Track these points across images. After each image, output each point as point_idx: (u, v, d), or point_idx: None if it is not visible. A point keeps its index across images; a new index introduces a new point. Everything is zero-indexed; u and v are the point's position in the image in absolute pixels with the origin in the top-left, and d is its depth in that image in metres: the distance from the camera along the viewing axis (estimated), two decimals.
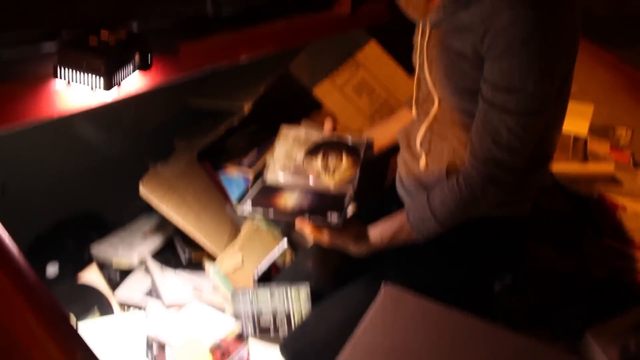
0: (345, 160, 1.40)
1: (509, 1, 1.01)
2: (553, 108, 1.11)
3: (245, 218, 1.81)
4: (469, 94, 1.16)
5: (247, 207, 1.25)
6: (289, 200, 1.29)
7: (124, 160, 1.99)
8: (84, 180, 1.92)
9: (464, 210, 1.20)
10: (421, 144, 1.32)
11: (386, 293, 1.09)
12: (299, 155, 1.42)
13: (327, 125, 1.48)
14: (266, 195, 1.32)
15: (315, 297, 1.41)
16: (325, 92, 2.01)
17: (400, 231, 1.24)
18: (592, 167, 2.20)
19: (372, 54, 2.10)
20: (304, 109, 2.10)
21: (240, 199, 1.77)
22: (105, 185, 1.97)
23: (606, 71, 2.36)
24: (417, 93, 1.36)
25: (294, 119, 2.02)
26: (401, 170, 1.43)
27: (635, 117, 2.40)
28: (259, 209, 1.26)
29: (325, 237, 1.21)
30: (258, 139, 1.97)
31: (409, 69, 2.18)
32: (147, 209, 2.05)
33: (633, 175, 2.23)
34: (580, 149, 2.24)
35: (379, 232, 1.25)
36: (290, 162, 1.41)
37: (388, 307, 1.07)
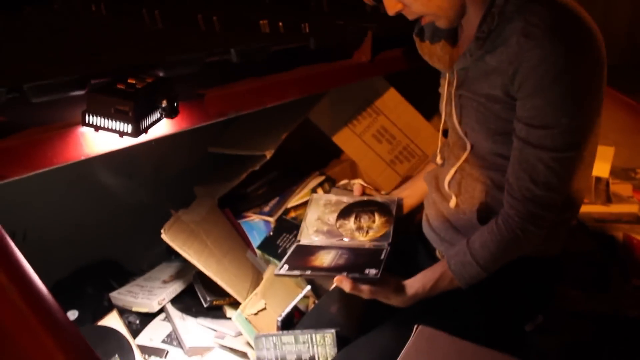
0: (377, 219, 1.42)
1: (537, 40, 1.03)
2: (588, 142, 1.11)
3: (267, 263, 1.80)
4: (503, 136, 1.17)
5: (283, 271, 1.26)
6: (325, 259, 1.29)
7: (144, 207, 2.02)
8: (103, 227, 1.94)
9: (506, 251, 1.20)
10: (450, 186, 1.33)
11: (420, 333, 1.08)
12: (331, 218, 1.44)
13: (357, 189, 1.51)
14: (301, 256, 1.32)
15: (341, 342, 1.39)
16: (345, 139, 2.03)
17: (442, 279, 1.25)
18: (616, 208, 2.19)
19: (391, 100, 2.13)
20: (324, 155, 2.12)
21: (262, 245, 1.77)
22: (124, 232, 2.00)
23: (626, 114, 2.37)
24: (443, 139, 1.38)
25: (314, 166, 2.05)
26: (429, 212, 1.43)
27: None
28: (296, 272, 1.27)
29: (365, 293, 1.21)
30: (278, 185, 1.98)
31: (427, 115, 2.21)
32: (167, 256, 2.07)
33: None
34: (602, 191, 2.23)
35: (420, 281, 1.25)
36: (324, 225, 1.43)
37: (422, 347, 1.06)
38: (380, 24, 1.76)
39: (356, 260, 1.27)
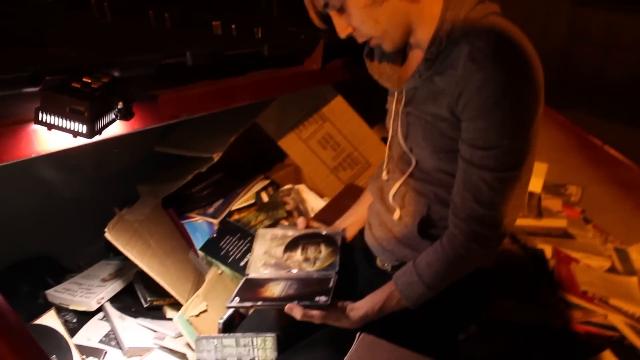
0: (324, 250, 1.46)
1: (480, 64, 1.07)
2: (527, 162, 1.17)
3: (209, 265, 1.81)
4: (447, 154, 1.22)
5: (234, 303, 1.27)
6: (275, 290, 1.31)
7: (83, 203, 1.98)
8: (40, 222, 1.89)
9: (451, 270, 1.24)
10: (394, 198, 1.37)
11: (362, 341, 1.11)
12: (278, 252, 1.46)
13: (301, 222, 1.54)
14: (251, 288, 1.34)
15: (281, 346, 1.41)
16: (290, 144, 2.05)
17: (389, 299, 1.27)
18: (547, 222, 2.29)
19: (338, 108, 2.16)
20: (269, 159, 2.14)
21: (204, 247, 1.77)
22: (62, 227, 1.95)
23: (558, 131, 2.48)
24: (390, 153, 1.41)
25: (259, 169, 2.06)
26: (373, 221, 1.47)
27: (585, 175, 2.51)
28: (247, 303, 1.29)
29: (316, 318, 1.24)
30: (223, 187, 1.98)
31: (371, 122, 2.26)
32: (105, 254, 2.04)
33: (584, 230, 2.33)
34: (534, 206, 2.34)
35: (369, 303, 1.27)
36: (271, 258, 1.45)
37: (364, 355, 1.09)
38: (332, 33, 1.79)
39: (305, 289, 1.30)
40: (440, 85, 1.18)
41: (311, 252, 1.45)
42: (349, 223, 1.59)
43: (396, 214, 1.36)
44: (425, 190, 1.32)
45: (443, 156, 1.23)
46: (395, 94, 1.34)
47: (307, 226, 1.55)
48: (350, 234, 1.57)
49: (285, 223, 1.94)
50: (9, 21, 1.78)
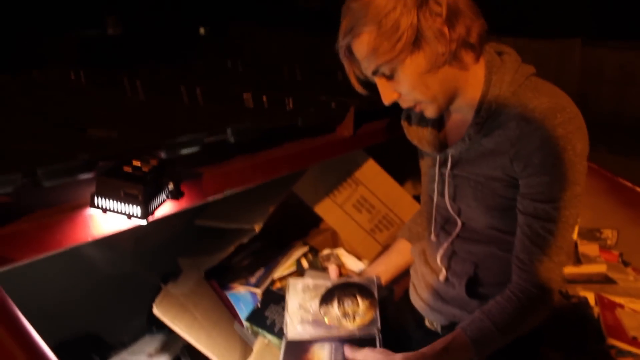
0: (361, 303, 1.44)
1: (536, 123, 1.13)
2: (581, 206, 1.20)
3: (255, 335, 1.81)
4: (500, 212, 1.24)
5: None
6: (321, 355, 1.31)
7: (124, 279, 2.00)
8: (83, 300, 1.91)
9: (524, 320, 1.24)
10: (441, 260, 1.39)
11: None
12: (313, 305, 1.46)
13: (333, 271, 1.55)
14: (297, 354, 1.34)
15: None
16: (326, 209, 2.08)
17: (454, 344, 1.24)
18: (586, 269, 2.27)
19: (370, 171, 2.20)
20: (307, 225, 2.17)
21: (250, 318, 1.78)
22: (105, 304, 1.97)
23: (589, 176, 2.48)
24: (436, 218, 1.43)
25: (296, 236, 2.09)
26: (418, 283, 1.48)
27: (619, 218, 2.50)
28: None
29: None
30: (263, 256, 2.00)
31: (401, 182, 2.28)
32: (148, 328, 2.05)
33: (624, 274, 2.30)
34: (572, 252, 2.32)
35: (430, 350, 1.24)
36: (307, 313, 1.45)
37: None
38: (362, 99, 1.85)
39: None
40: (488, 147, 1.22)
41: (348, 305, 1.44)
42: (381, 270, 1.59)
43: (442, 276, 1.38)
44: (472, 250, 1.34)
45: (496, 214, 1.26)
46: (438, 157, 1.36)
47: (340, 274, 1.54)
48: (383, 280, 1.58)
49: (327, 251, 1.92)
50: (49, 104, 1.85)
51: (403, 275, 1.64)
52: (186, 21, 11.22)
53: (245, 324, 1.79)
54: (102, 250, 2.01)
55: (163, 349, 1.91)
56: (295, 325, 1.42)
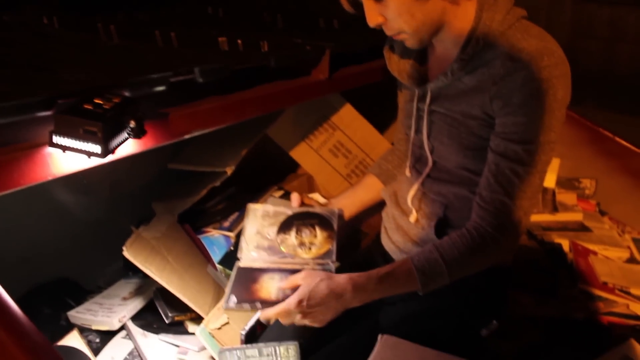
0: (319, 234, 1.42)
1: (522, 63, 1.12)
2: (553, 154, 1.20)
3: (228, 278, 1.81)
4: (473, 152, 1.24)
5: (231, 303, 1.26)
6: (271, 289, 1.29)
7: (100, 224, 2.00)
8: (58, 245, 1.92)
9: (473, 258, 1.24)
10: (412, 201, 1.38)
11: (384, 342, 1.12)
12: (271, 231, 1.43)
13: (295, 199, 1.51)
14: (246, 283, 1.32)
15: (304, 354, 1.41)
16: (302, 154, 2.07)
17: (399, 271, 1.23)
18: (562, 217, 2.29)
19: (347, 116, 2.18)
20: (282, 169, 2.15)
21: (223, 260, 1.79)
22: (80, 249, 1.97)
23: (569, 126, 2.48)
24: (412, 155, 1.42)
25: (272, 180, 2.08)
26: (389, 225, 1.48)
27: (598, 168, 2.51)
28: (246, 305, 1.26)
29: (316, 301, 1.20)
30: (237, 200, 1.99)
31: (380, 128, 2.27)
32: (124, 273, 2.05)
33: (600, 222, 2.33)
34: (549, 201, 2.33)
35: (373, 271, 1.24)
36: (264, 240, 1.42)
37: (387, 356, 1.09)
38: (337, 43, 1.81)
39: None
40: (469, 84, 1.21)
41: (306, 235, 1.41)
42: (345, 203, 1.57)
43: (412, 217, 1.38)
44: (442, 191, 1.33)
45: (469, 153, 1.25)
46: (416, 92, 1.35)
47: (302, 203, 1.51)
48: (346, 214, 1.56)
49: (276, 195, 1.91)
50: (18, 48, 1.81)
51: (370, 213, 1.63)
52: None
53: (219, 267, 1.80)
54: (78, 195, 2.00)
55: (137, 292, 1.92)
56: (250, 251, 1.40)
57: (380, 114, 2.19)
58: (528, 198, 1.20)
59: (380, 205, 1.59)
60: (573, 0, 6.50)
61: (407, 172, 1.44)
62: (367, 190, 1.59)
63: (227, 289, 1.30)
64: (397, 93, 1.53)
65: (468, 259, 1.23)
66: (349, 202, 1.58)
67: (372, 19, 1.21)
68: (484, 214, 1.22)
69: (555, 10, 6.39)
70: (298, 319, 1.21)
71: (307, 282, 1.20)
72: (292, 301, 1.19)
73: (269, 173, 2.12)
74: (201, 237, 1.89)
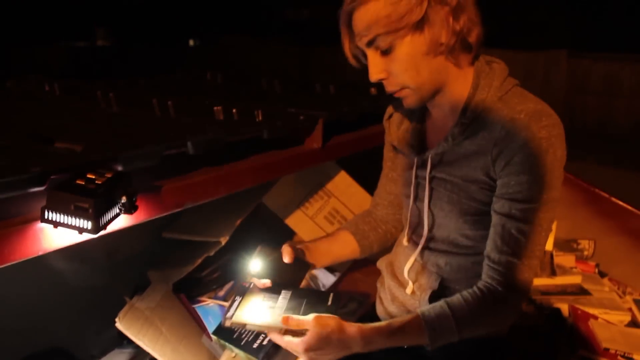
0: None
1: (523, 124, 1.15)
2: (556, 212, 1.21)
3: (223, 349, 1.79)
4: (472, 217, 1.26)
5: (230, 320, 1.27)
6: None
7: (95, 292, 1.98)
8: (52, 314, 1.89)
9: (484, 315, 1.23)
10: (408, 273, 1.38)
11: None
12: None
13: (287, 253, 1.43)
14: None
15: None
16: (297, 221, 2.07)
17: (409, 325, 1.21)
18: (561, 280, 2.26)
19: (342, 183, 2.20)
20: (277, 237, 2.15)
21: (217, 331, 1.76)
22: (74, 318, 1.95)
23: (565, 187, 2.48)
24: (411, 224, 1.43)
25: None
26: (384, 296, 1.48)
27: (596, 229, 2.50)
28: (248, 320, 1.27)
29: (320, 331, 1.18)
30: (233, 269, 1.99)
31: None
32: (119, 342, 2.03)
33: (600, 285, 2.30)
34: (547, 263, 2.32)
35: (385, 327, 1.22)
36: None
37: None
38: (330, 112, 1.84)
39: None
40: (470, 149, 1.23)
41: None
42: (320, 254, 1.51)
43: (409, 289, 1.37)
44: (439, 262, 1.33)
45: (468, 219, 1.26)
46: (415, 160, 1.36)
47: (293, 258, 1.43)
48: (320, 262, 1.52)
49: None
50: (18, 116, 1.84)
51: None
52: (177, 33, 11.27)
53: (213, 337, 1.77)
54: (73, 263, 1.99)
55: None
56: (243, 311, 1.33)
57: (375, 179, 2.20)
58: (536, 257, 1.21)
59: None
60: (568, 56, 6.63)
61: (405, 242, 1.44)
62: (342, 246, 1.57)
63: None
64: (382, 161, 1.56)
65: (478, 317, 1.23)
66: (324, 253, 1.54)
67: (375, 72, 1.22)
68: (493, 274, 1.22)
69: (552, 66, 6.52)
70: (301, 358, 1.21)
71: (317, 331, 1.17)
72: (300, 347, 1.18)
73: (264, 241, 2.11)
74: (196, 306, 1.88)
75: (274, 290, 1.36)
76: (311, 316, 1.20)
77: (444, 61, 1.20)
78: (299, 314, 1.24)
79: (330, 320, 1.20)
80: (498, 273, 1.21)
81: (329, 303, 1.30)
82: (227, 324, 1.25)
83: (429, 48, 1.17)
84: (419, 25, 1.15)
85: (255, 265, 1.37)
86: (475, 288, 1.24)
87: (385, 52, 1.19)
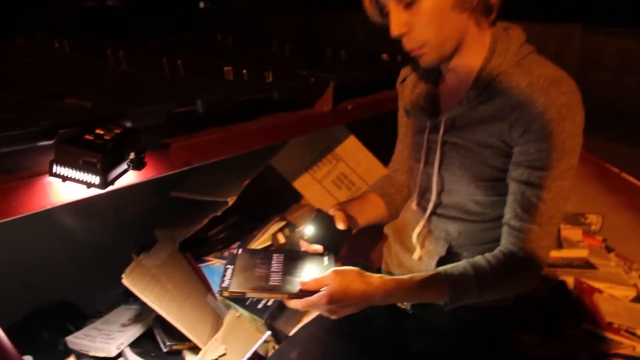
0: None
1: (542, 90, 1.12)
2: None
3: (227, 308, 1.81)
4: (484, 182, 1.24)
5: (233, 288, 1.18)
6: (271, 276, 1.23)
7: (102, 249, 2.00)
8: (59, 269, 1.91)
9: (506, 278, 1.22)
10: (416, 238, 1.37)
11: None
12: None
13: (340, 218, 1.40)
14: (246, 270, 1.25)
15: None
16: (305, 185, 2.07)
17: (432, 286, 1.20)
18: (567, 253, 2.26)
19: (351, 147, 2.19)
20: (284, 200, 2.15)
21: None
22: (82, 274, 1.97)
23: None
24: (420, 189, 1.40)
25: (275, 210, 2.07)
26: (390, 261, 1.47)
27: (604, 204, 2.49)
28: (245, 290, 1.18)
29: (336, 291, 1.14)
30: (239, 230, 2.00)
31: (384, 160, 2.26)
32: (125, 299, 2.05)
33: (606, 260, 2.30)
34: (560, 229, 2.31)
35: (407, 281, 1.19)
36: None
37: None
38: (341, 76, 1.82)
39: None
40: (485, 113, 1.21)
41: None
42: (354, 216, 1.45)
43: (416, 254, 1.36)
44: (447, 228, 1.32)
45: (480, 184, 1.25)
46: (428, 124, 1.34)
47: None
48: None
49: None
50: (28, 72, 1.83)
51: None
52: None
53: (218, 296, 1.79)
54: (81, 220, 2.00)
55: (136, 319, 1.91)
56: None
57: (384, 145, 2.19)
58: (555, 224, 1.19)
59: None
60: (582, 31, 6.54)
61: (414, 207, 1.43)
62: (373, 209, 1.54)
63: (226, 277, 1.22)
64: (397, 126, 1.53)
65: (500, 280, 1.22)
66: (358, 216, 1.50)
67: (397, 26, 1.18)
68: (514, 241, 1.21)
69: (565, 41, 6.43)
70: (322, 312, 1.18)
71: (339, 281, 1.14)
72: (322, 300, 1.13)
73: (272, 203, 2.12)
74: (202, 265, 1.89)
75: (265, 255, 1.32)
76: (330, 271, 1.17)
77: (467, 19, 1.18)
78: (298, 276, 1.22)
79: (351, 270, 1.17)
80: (519, 239, 1.20)
81: (325, 263, 1.27)
82: (225, 294, 1.17)
83: (454, 2, 1.14)
84: None
85: (309, 230, 1.32)
86: (497, 252, 1.23)
87: (409, 5, 1.15)
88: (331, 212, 1.36)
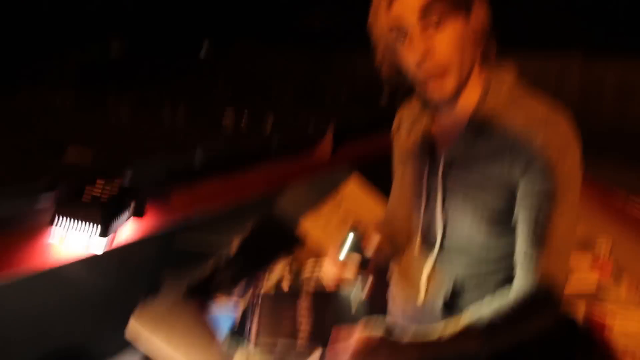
0: None
1: (540, 126, 1.13)
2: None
3: (235, 351, 1.79)
4: (488, 222, 1.22)
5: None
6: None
7: (108, 296, 1.99)
8: (65, 316, 1.90)
9: (516, 321, 1.19)
10: (420, 284, 1.35)
11: None
12: None
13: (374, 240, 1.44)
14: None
15: None
16: (309, 228, 2.07)
17: (466, 335, 1.16)
18: (576, 280, 2.23)
19: (354, 188, 2.18)
20: (289, 244, 2.15)
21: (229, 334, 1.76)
22: (88, 321, 1.96)
23: (583, 190, 2.47)
24: (423, 233, 1.38)
25: (279, 255, 2.07)
26: (394, 309, 1.46)
27: (613, 229, 2.48)
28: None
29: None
30: (246, 270, 1.99)
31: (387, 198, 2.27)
32: (131, 346, 2.03)
33: (617, 285, 2.26)
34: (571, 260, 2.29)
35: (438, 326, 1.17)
36: None
37: None
38: (340, 120, 1.84)
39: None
40: (485, 150, 1.20)
41: None
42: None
43: (420, 299, 1.35)
44: (450, 274, 1.31)
45: (483, 224, 1.23)
46: (426, 168, 1.33)
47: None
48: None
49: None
50: (30, 124, 1.86)
51: None
52: (190, 41, 11.31)
53: (225, 340, 1.77)
54: (87, 264, 2.00)
55: None
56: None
57: (387, 183, 2.20)
58: (565, 260, 1.18)
59: None
60: (583, 58, 6.58)
61: (417, 253, 1.41)
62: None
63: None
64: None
65: (523, 320, 1.19)
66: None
67: (419, 48, 1.15)
68: (529, 277, 1.18)
69: (565, 72, 6.48)
70: None
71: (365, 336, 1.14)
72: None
73: (275, 248, 2.12)
74: (209, 308, 1.88)
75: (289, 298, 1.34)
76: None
77: (476, 52, 1.19)
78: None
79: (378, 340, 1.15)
80: (532, 276, 1.17)
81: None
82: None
83: (477, 31, 1.16)
84: (469, 5, 1.15)
85: (345, 248, 1.36)
86: (513, 294, 1.19)
87: (434, 26, 1.14)
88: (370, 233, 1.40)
